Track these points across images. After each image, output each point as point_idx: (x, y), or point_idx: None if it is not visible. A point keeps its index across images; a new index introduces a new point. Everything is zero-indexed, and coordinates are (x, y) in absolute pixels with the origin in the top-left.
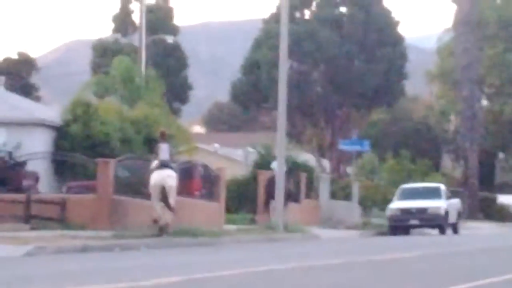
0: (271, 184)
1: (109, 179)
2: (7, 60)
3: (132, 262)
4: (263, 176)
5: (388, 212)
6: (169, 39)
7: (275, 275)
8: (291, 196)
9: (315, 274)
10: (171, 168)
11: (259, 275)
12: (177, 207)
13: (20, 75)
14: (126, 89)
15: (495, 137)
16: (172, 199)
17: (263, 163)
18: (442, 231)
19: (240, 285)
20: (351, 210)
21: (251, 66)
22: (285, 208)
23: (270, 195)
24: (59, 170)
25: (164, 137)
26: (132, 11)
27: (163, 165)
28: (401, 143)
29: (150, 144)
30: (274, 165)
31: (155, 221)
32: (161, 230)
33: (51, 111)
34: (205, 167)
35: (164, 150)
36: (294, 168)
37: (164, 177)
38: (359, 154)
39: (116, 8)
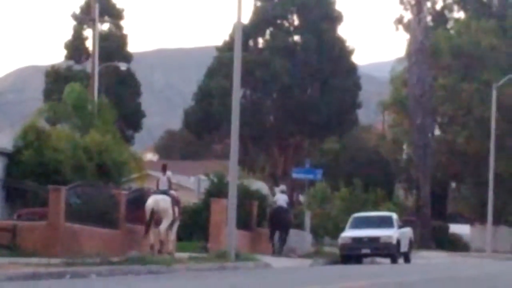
0: (275, 216)
1: (61, 206)
2: None
3: None
4: (216, 205)
5: (340, 241)
6: (122, 66)
7: None
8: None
9: None
10: (167, 195)
11: None
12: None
13: None
14: (78, 116)
15: (447, 167)
16: (165, 223)
17: (216, 191)
18: (394, 260)
19: None
20: (303, 238)
21: (204, 94)
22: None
23: (274, 227)
24: (10, 197)
25: (164, 169)
26: (86, 38)
27: (160, 192)
28: (354, 172)
29: (102, 172)
30: (277, 197)
31: (151, 247)
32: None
33: (3, 137)
34: None
35: (163, 182)
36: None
37: (157, 200)
38: (311, 182)
39: (69, 34)
